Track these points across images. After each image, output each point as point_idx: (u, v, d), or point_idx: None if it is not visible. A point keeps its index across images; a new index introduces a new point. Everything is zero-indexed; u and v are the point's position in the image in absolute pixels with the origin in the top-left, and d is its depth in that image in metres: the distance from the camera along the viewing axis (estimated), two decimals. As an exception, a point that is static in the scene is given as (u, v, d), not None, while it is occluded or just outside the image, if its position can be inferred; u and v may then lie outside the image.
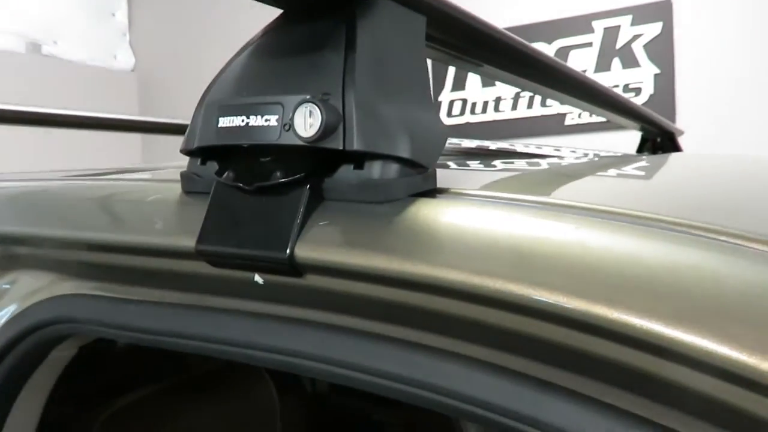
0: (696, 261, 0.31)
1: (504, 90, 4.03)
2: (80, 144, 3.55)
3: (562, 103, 1.11)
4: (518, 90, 4.00)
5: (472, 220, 0.37)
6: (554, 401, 0.32)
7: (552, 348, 0.33)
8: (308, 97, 0.39)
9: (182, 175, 0.48)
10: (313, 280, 0.41)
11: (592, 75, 3.86)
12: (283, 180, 0.40)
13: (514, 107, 3.99)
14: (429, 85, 0.47)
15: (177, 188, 0.49)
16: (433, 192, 0.42)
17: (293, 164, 0.41)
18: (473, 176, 0.59)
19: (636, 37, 3.70)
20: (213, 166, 0.46)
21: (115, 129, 1.33)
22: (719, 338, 0.27)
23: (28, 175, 0.81)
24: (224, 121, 0.42)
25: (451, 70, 4.14)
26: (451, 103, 4.18)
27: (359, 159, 0.40)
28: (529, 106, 3.94)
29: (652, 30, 3.65)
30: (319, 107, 0.38)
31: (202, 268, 0.45)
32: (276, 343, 0.42)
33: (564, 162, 0.80)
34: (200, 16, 5.44)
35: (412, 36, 0.47)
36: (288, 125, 0.39)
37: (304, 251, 0.39)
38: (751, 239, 0.32)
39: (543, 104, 3.89)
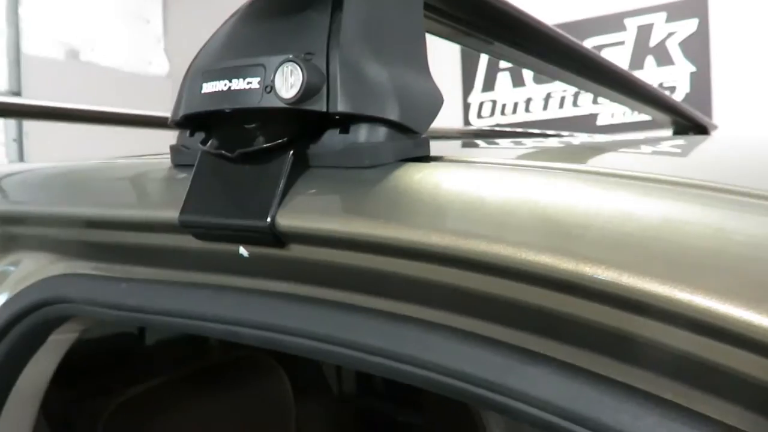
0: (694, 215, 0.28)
1: (535, 90, 3.98)
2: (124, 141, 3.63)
3: (582, 89, 1.07)
4: (549, 91, 3.94)
5: (463, 182, 0.34)
6: (543, 372, 0.29)
7: (539, 314, 0.30)
8: (290, 56, 0.37)
9: (171, 147, 0.47)
10: (296, 250, 0.39)
11: (625, 74, 3.76)
12: (265, 145, 0.38)
13: (545, 108, 3.93)
14: (425, 51, 0.45)
15: (167, 163, 0.48)
16: (425, 159, 0.39)
17: (277, 129, 0.39)
18: (476, 148, 0.56)
19: (670, 34, 3.61)
20: (201, 136, 0.44)
21: (149, 125, 1.34)
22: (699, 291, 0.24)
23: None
24: (207, 87, 0.41)
25: (481, 71, 4.10)
26: (481, 104, 4.14)
27: (344, 122, 0.38)
28: (561, 106, 3.88)
29: (687, 27, 3.56)
30: (300, 66, 0.36)
31: (189, 242, 0.43)
32: (261, 319, 0.40)
33: (580, 139, 0.77)
34: (232, 22, 5.49)
35: (409, 2, 0.45)
36: (269, 87, 0.37)
37: (287, 219, 0.37)
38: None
39: (575, 104, 3.82)
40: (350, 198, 0.37)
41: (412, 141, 0.39)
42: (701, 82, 3.54)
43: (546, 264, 0.28)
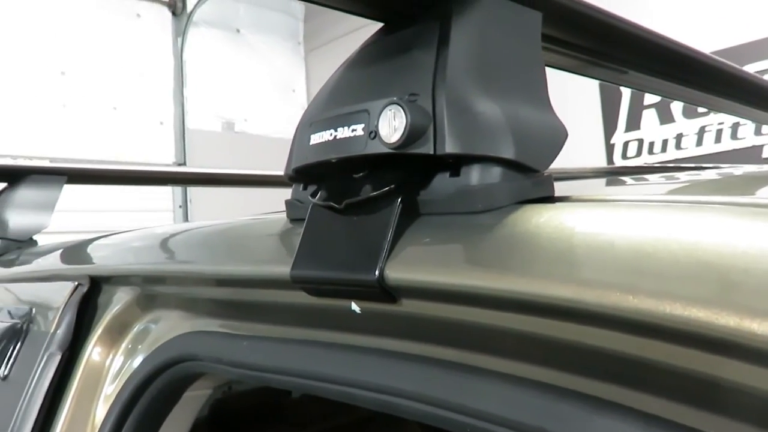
0: None
1: (686, 125, 3.69)
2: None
3: (740, 116, 0.95)
4: (703, 124, 3.64)
5: (592, 224, 0.29)
6: None
7: (689, 381, 0.24)
8: (394, 99, 0.35)
9: (286, 202, 0.46)
10: (409, 305, 0.36)
11: (792, 99, 3.39)
12: (372, 194, 0.36)
13: (699, 143, 3.64)
14: (544, 83, 0.41)
15: (285, 218, 0.47)
16: (549, 200, 0.35)
17: (384, 177, 0.37)
18: (610, 186, 0.50)
19: None
20: (312, 189, 0.43)
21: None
22: None
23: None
24: (315, 138, 0.40)
25: (624, 109, 3.90)
26: (626, 144, 3.92)
27: (454, 164, 0.35)
28: (717, 140, 3.57)
29: None
30: (403, 108, 0.34)
31: (303, 298, 0.42)
32: (373, 380, 0.37)
33: (741, 170, 0.67)
34: (369, 84, 5.75)
35: (525, 34, 0.41)
36: (374, 133, 0.35)
37: (396, 272, 0.34)
38: None
39: (733, 136, 3.49)
40: (462, 247, 0.33)
41: (530, 181, 0.35)
42: None
43: (700, 320, 0.23)
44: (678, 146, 3.70)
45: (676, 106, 3.76)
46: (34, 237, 1.07)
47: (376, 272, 0.35)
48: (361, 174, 0.39)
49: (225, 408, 0.91)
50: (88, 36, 4.89)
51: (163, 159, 5.45)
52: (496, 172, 0.34)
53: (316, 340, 0.43)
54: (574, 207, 0.32)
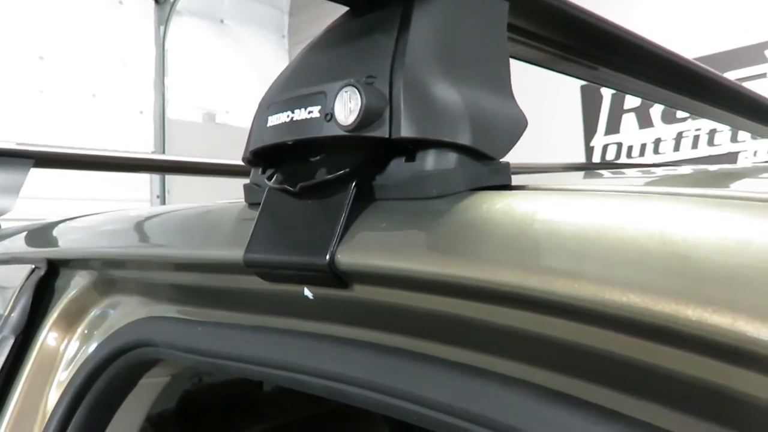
0: None
1: (664, 130, 3.74)
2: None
3: (704, 116, 0.96)
4: (680, 130, 3.68)
5: (548, 210, 0.29)
6: None
7: (642, 372, 0.24)
8: (351, 81, 0.34)
9: (245, 186, 0.45)
10: (360, 291, 0.35)
11: (768, 108, 3.45)
12: (327, 177, 0.36)
13: (677, 148, 3.68)
14: (507, 72, 0.40)
15: (243, 202, 0.46)
16: (505, 188, 0.35)
17: (339, 160, 0.36)
18: (572, 178, 0.50)
19: (822, 62, 3.27)
20: (270, 173, 0.42)
21: None
22: None
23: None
24: (272, 120, 0.39)
25: (604, 112, 3.93)
26: (605, 147, 3.96)
27: (410, 149, 0.34)
28: (694, 146, 3.61)
29: (841, 53, 3.21)
30: (359, 91, 0.33)
31: (257, 283, 0.41)
32: (324, 367, 0.37)
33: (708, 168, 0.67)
34: (353, 79, 5.73)
35: (490, 22, 0.41)
36: (329, 115, 0.35)
37: (347, 256, 0.34)
38: None
39: (710, 143, 3.54)
40: (415, 232, 0.32)
41: (487, 168, 0.34)
42: None
43: (638, 306, 0.22)
44: (656, 151, 3.75)
45: (656, 112, 3.81)
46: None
47: (327, 256, 0.34)
48: (317, 157, 0.38)
49: (195, 400, 0.90)
50: (68, 20, 4.81)
51: (142, 149, 5.38)
52: (451, 158, 0.33)
53: (269, 327, 0.42)
54: (527, 195, 0.31)
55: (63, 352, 0.61)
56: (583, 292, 0.24)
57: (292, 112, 0.37)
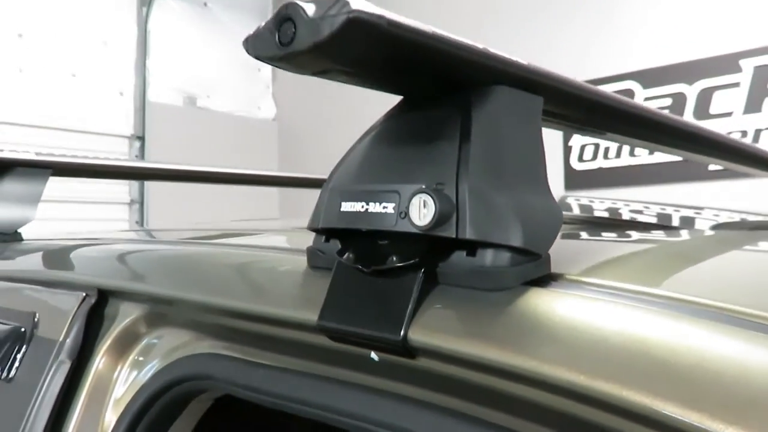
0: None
1: (640, 134, 3.85)
2: (225, 192, 3.92)
3: (690, 159, 1.05)
4: (656, 134, 3.80)
5: (584, 315, 0.37)
6: None
7: None
8: (423, 187, 0.41)
9: (308, 250, 0.52)
10: (426, 362, 0.42)
11: (740, 117, 3.59)
12: (399, 264, 0.42)
13: (651, 152, 3.79)
14: (544, 165, 0.47)
15: (303, 261, 0.53)
16: (546, 278, 0.42)
17: (408, 249, 0.43)
18: (590, 254, 0.57)
19: (791, 75, 3.41)
20: (335, 244, 0.49)
21: (256, 183, 1.46)
22: None
23: (175, 233, 0.90)
24: (346, 206, 0.45)
25: (583, 115, 4.03)
26: (583, 147, 4.06)
27: (472, 246, 0.41)
28: (668, 150, 3.73)
29: (810, 68, 3.35)
30: (433, 198, 0.40)
31: (324, 340, 0.48)
32: (386, 420, 0.44)
33: (696, 235, 0.75)
34: (336, 68, 5.74)
35: (528, 117, 0.48)
36: (404, 213, 0.41)
37: (417, 335, 0.41)
38: None
39: (684, 148, 3.66)
40: (479, 321, 0.40)
41: (534, 264, 0.42)
42: (826, 125, 3.31)
43: (673, 415, 0.30)
44: (632, 153, 3.87)
45: (633, 115, 3.92)
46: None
47: (401, 333, 0.41)
48: (386, 242, 0.44)
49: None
50: (49, -2, 4.72)
51: (121, 130, 5.34)
52: (506, 257, 0.40)
53: (332, 377, 0.49)
54: (566, 294, 0.39)
55: (117, 377, 0.67)
56: (595, 384, 0.32)
57: (367, 204, 0.44)
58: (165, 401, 0.62)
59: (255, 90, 6.26)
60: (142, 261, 0.71)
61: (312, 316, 0.47)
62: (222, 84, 5.97)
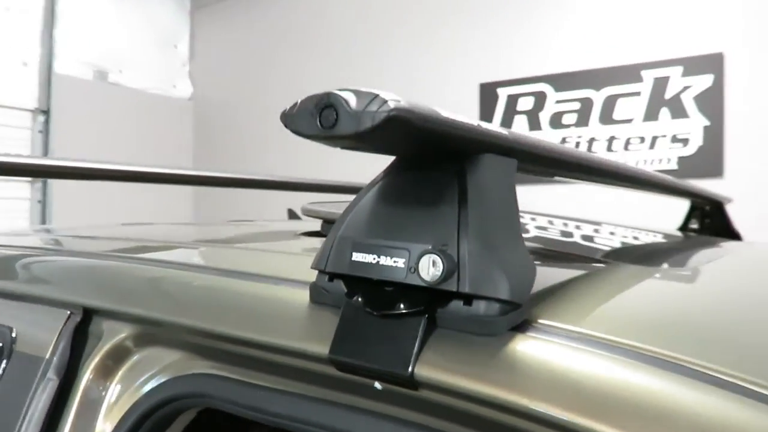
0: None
1: (551, 134, 4.10)
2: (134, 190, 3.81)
3: (613, 187, 1.20)
4: (564, 135, 4.06)
5: (559, 361, 0.46)
6: None
7: None
8: (430, 247, 0.49)
9: (312, 287, 0.58)
10: (427, 393, 0.50)
11: (639, 124, 3.90)
12: (405, 311, 0.50)
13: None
14: (519, 220, 0.56)
15: (304, 295, 0.59)
16: (525, 323, 0.51)
17: (414, 297, 0.51)
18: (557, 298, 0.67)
19: (686, 88, 3.74)
20: (340, 285, 0.56)
21: (171, 182, 1.43)
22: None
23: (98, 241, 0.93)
24: (357, 256, 0.53)
25: (498, 113, 4.24)
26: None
27: (468, 297, 0.50)
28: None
29: (702, 82, 3.69)
30: (441, 258, 0.48)
31: (329, 370, 0.55)
32: (389, 439, 0.52)
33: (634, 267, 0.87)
34: (256, 51, 5.67)
35: (506, 177, 0.56)
36: (413, 269, 0.49)
37: (423, 371, 0.49)
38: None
39: (589, 150, 3.94)
40: (476, 362, 0.48)
41: (517, 312, 0.51)
42: (714, 136, 3.67)
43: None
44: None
45: (545, 116, 4.17)
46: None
47: (409, 369, 0.49)
48: (391, 288, 0.52)
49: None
50: (-55, -41, 4.36)
51: (24, 103, 5.04)
52: (496, 308, 0.49)
53: (336, 401, 0.56)
54: (544, 342, 0.49)
55: (105, 395, 0.71)
56: (567, 417, 0.42)
57: (378, 257, 0.51)
58: (158, 417, 0.67)
59: (171, 67, 6.06)
60: (132, 279, 0.75)
61: (319, 348, 0.54)
62: (136, 59, 5.74)
